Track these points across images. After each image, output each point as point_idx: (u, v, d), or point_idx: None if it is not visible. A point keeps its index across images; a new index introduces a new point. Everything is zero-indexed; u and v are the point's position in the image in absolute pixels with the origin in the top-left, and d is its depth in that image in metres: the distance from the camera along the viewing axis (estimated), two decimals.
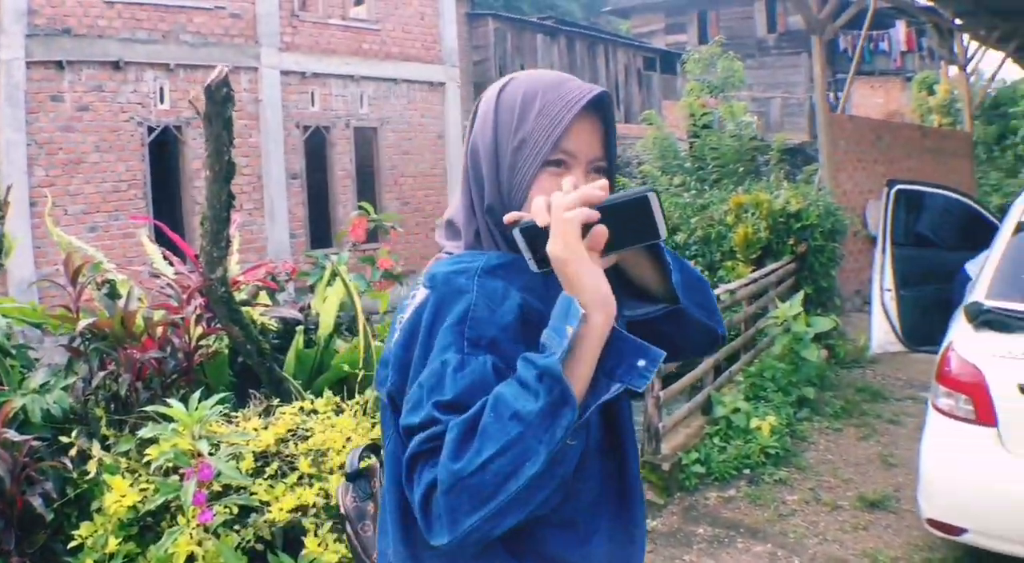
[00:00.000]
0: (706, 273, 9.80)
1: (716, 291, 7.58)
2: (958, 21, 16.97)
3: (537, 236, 1.45)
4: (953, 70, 28.03)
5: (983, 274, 5.44)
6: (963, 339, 4.91)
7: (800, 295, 8.53)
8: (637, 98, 29.28)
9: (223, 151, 3.97)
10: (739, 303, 8.31)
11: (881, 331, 8.87)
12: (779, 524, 5.89)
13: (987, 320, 4.82)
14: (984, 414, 4.67)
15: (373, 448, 1.99)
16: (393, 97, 17.72)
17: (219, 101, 3.91)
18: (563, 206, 1.42)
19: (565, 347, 1.37)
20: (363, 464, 1.92)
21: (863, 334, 9.61)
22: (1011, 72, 46.52)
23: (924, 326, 8.44)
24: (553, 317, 1.42)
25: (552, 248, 1.41)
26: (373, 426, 3.43)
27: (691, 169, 13.51)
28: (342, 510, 1.89)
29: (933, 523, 4.92)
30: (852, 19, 13.51)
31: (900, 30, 35.27)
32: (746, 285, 8.39)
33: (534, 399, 1.34)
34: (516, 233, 1.48)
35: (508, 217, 1.52)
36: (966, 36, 17.85)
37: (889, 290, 8.76)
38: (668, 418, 6.60)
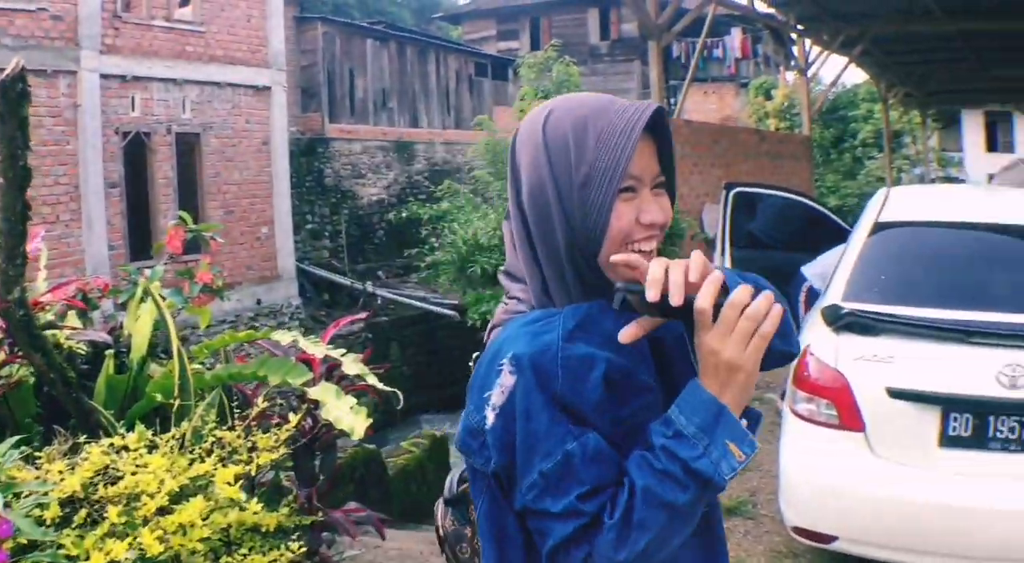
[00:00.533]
0: None
1: None
2: (800, 27, 17.38)
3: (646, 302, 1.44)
4: (791, 75, 29.06)
5: (838, 276, 5.40)
6: (822, 343, 4.82)
7: None
8: (468, 104, 29.17)
9: (18, 155, 3.54)
10: None
11: None
12: None
13: (848, 323, 4.73)
14: (849, 419, 4.60)
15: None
16: (217, 102, 17.10)
17: (14, 98, 3.49)
18: (754, 317, 1.44)
19: (735, 471, 1.45)
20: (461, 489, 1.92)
21: None
22: (851, 76, 48.39)
23: None
24: (698, 411, 1.47)
25: (728, 353, 1.44)
26: (191, 464, 3.07)
27: None
28: (440, 532, 1.93)
29: (800, 531, 4.83)
30: (689, 26, 13.62)
31: (735, 37, 36.27)
32: None
33: (683, 491, 1.44)
34: (620, 296, 1.47)
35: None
36: (808, 41, 18.29)
37: None
38: None
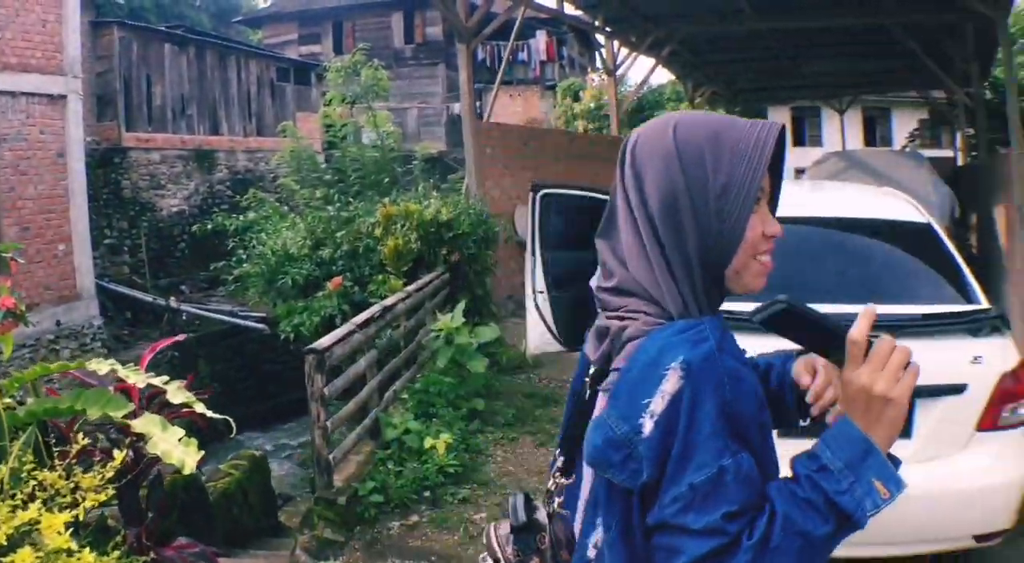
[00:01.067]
0: (355, 289, 9.47)
1: (372, 309, 7.25)
2: (608, 29, 17.58)
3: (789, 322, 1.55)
4: (599, 77, 29.56)
5: None
6: None
7: (461, 306, 8.33)
8: (270, 110, 28.50)
9: None
10: (397, 318, 7.96)
11: (536, 332, 8.90)
12: (471, 546, 5.63)
13: None
14: None
15: (528, 498, 1.89)
16: (11, 112, 16.09)
17: None
18: (906, 352, 1.54)
19: (878, 508, 1.47)
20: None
21: (522, 339, 9.61)
22: (658, 76, 49.44)
23: (578, 326, 8.55)
24: (845, 446, 1.51)
25: (880, 387, 1.50)
26: (13, 511, 2.76)
27: (331, 181, 13.09)
28: (499, 557, 1.82)
29: None
30: (498, 30, 13.63)
31: (541, 40, 36.75)
32: (403, 299, 8.07)
33: (823, 523, 1.45)
34: (766, 313, 1.58)
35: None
36: (616, 43, 18.51)
37: (542, 292, 8.80)
38: (338, 448, 6.13)
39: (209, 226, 12.52)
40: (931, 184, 14.37)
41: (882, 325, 4.22)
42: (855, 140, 35.64)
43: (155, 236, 21.80)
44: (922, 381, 4.01)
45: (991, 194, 13.51)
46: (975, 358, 4.62)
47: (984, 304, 5.08)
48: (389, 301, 7.65)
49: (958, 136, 22.97)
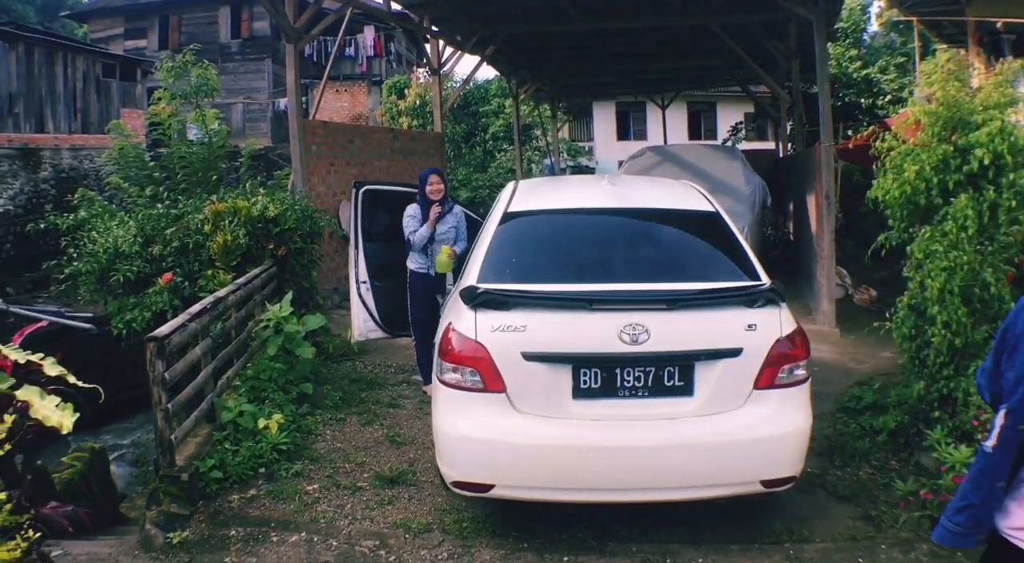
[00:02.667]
0: (185, 284, 9.85)
1: (204, 300, 7.68)
2: (435, 28, 17.98)
3: None
4: (424, 73, 29.69)
5: (473, 261, 6.08)
6: (461, 320, 5.48)
7: (289, 296, 8.83)
8: (96, 107, 27.99)
9: None
10: (228, 310, 8.41)
11: (360, 320, 9.54)
12: (307, 513, 6.21)
13: (483, 301, 5.41)
14: (492, 382, 5.34)
15: None
16: None
17: None
18: None
19: None
20: None
21: (348, 329, 10.16)
22: (484, 72, 49.63)
23: (399, 314, 9.20)
24: None
25: None
26: None
27: (159, 179, 13.27)
28: None
29: (459, 484, 5.53)
30: (326, 27, 13.96)
31: (368, 35, 36.76)
32: (234, 292, 8.49)
33: None
34: None
35: None
36: (441, 42, 18.87)
37: (364, 282, 9.43)
38: (179, 429, 6.59)
39: (42, 225, 12.53)
40: (743, 176, 15.42)
41: (667, 299, 5.07)
42: (680, 134, 36.90)
43: None
44: (701, 346, 5.23)
45: (804, 184, 14.48)
46: (749, 326, 5.43)
47: (765, 279, 5.85)
48: (221, 293, 8.07)
49: (781, 130, 24.11)
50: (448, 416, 5.54)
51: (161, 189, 12.37)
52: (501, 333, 5.34)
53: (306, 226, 10.65)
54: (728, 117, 45.27)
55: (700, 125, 46.41)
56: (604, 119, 46.90)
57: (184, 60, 13.45)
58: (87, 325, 13.59)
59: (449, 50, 19.33)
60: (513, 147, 28.03)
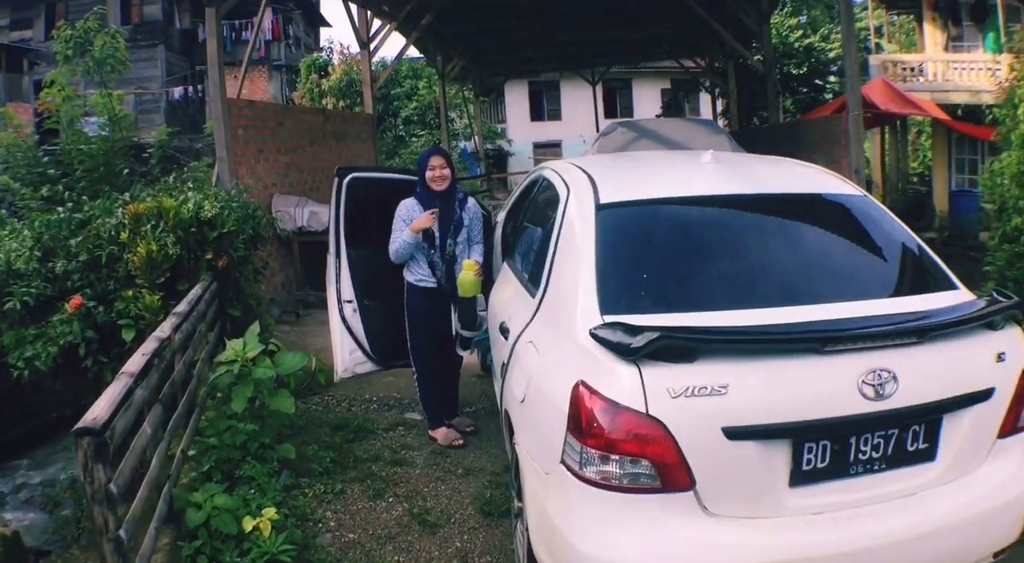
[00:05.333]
0: (99, 309, 7.50)
1: (145, 346, 5.42)
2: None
3: None
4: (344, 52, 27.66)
5: (574, 280, 3.98)
6: (609, 378, 3.42)
7: (254, 328, 6.42)
8: None
9: None
10: (175, 355, 6.04)
11: (346, 351, 7.29)
12: None
13: (657, 349, 3.33)
14: (674, 476, 3.36)
15: None
16: None
17: None
18: None
19: None
20: None
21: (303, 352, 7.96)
22: (391, 53, 48.11)
23: (395, 337, 6.98)
24: None
25: None
26: None
27: (55, 177, 10.61)
28: None
29: None
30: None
31: (266, 18, 34.49)
32: (178, 326, 6.14)
33: None
34: None
35: None
36: (369, 14, 17.10)
37: (350, 301, 7.18)
38: (136, 557, 4.20)
39: None
40: (732, 153, 13.58)
41: (915, 328, 3.60)
42: (597, 113, 35.36)
43: None
44: (951, 391, 3.65)
45: (808, 157, 13.53)
46: (999, 356, 3.76)
47: (963, 288, 4.15)
48: (163, 331, 5.73)
49: (710, 104, 23.49)
50: (597, 533, 3.45)
51: (60, 188, 9.86)
52: (687, 399, 3.30)
53: (248, 228, 8.34)
54: (644, 95, 44.60)
55: (616, 103, 45.28)
56: (517, 100, 45.52)
57: (85, 27, 10.81)
58: None
59: (377, 24, 17.32)
60: (425, 132, 26.17)
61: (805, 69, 27.12)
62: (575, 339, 3.71)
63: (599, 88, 34.69)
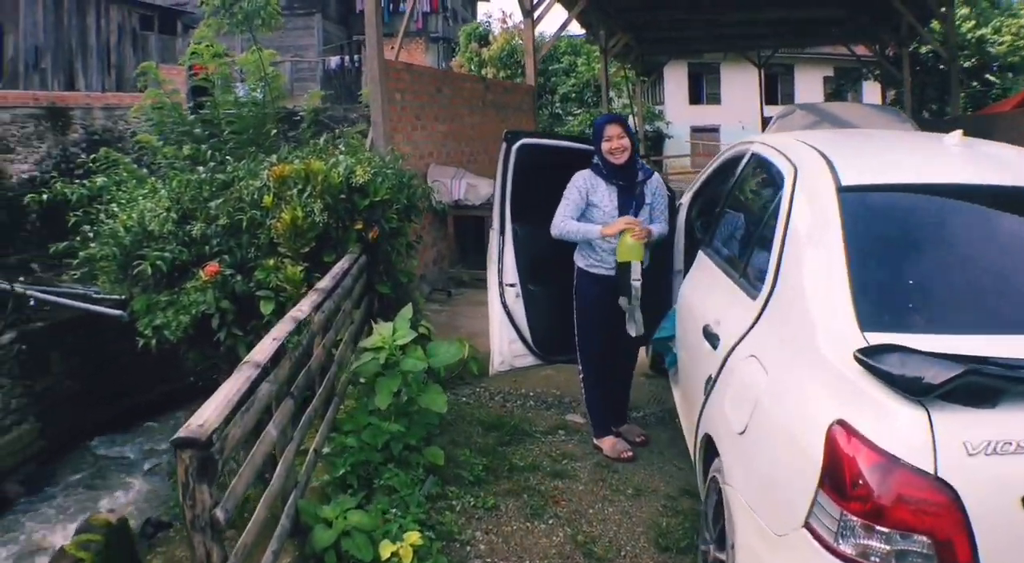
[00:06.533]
0: (236, 277, 6.82)
1: (280, 327, 4.66)
2: None
3: None
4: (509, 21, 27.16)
5: (825, 287, 3.06)
6: (885, 423, 2.52)
7: (407, 312, 5.58)
8: (132, 62, 25.24)
9: None
10: (314, 338, 5.23)
11: (505, 341, 6.39)
12: None
13: (957, 387, 2.39)
14: (953, 559, 2.42)
15: None
16: None
17: None
18: None
19: None
20: None
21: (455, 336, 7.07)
22: (551, 28, 47.64)
23: (560, 328, 6.08)
24: None
25: None
26: None
27: (202, 136, 10.08)
28: None
29: None
30: None
31: None
32: (320, 304, 5.36)
33: None
34: None
35: None
36: None
37: (512, 285, 6.29)
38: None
39: (45, 196, 9.51)
40: None
41: None
42: (756, 98, 33.92)
43: (3, 206, 18.53)
44: None
45: None
46: None
47: None
48: (302, 310, 4.94)
49: (879, 94, 22.10)
50: None
51: (204, 148, 9.28)
52: (987, 458, 2.40)
53: (403, 198, 7.58)
54: (806, 81, 43.03)
55: (777, 89, 43.69)
56: (676, 82, 44.31)
57: None
58: (118, 312, 11.17)
59: None
60: (582, 110, 25.23)
61: (974, 61, 25.31)
62: (827, 361, 2.79)
63: (755, 74, 33.46)
